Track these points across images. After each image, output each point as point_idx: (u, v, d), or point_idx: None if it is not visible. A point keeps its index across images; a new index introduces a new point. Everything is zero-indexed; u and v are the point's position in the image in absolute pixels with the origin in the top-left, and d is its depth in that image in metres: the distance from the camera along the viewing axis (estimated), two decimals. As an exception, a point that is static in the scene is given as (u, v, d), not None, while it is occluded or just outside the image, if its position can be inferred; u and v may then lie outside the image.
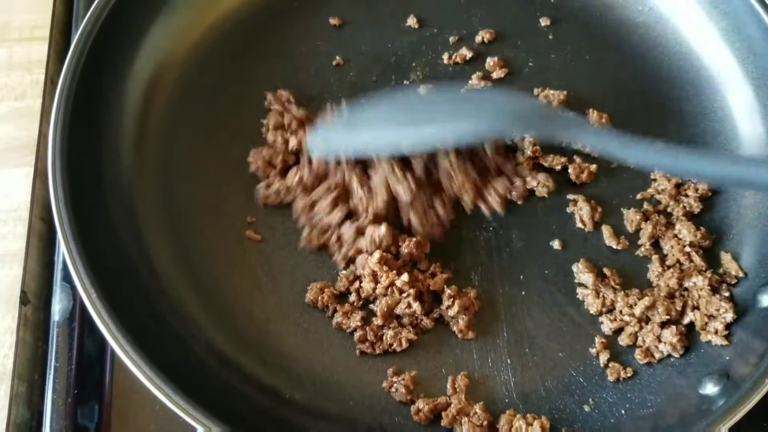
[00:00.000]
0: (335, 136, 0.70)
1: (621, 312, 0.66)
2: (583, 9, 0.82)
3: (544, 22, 0.81)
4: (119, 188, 0.68)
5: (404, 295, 0.65)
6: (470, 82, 0.77)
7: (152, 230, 0.68)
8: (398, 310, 0.65)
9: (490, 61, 0.78)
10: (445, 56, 0.79)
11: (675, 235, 0.69)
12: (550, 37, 0.81)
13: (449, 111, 0.66)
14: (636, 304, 0.65)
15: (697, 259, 0.67)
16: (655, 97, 0.78)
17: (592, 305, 0.66)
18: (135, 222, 0.67)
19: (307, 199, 0.70)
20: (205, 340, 0.64)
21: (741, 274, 0.67)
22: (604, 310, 0.66)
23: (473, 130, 0.63)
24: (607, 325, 0.66)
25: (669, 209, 0.71)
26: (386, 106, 0.68)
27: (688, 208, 0.70)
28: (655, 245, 0.70)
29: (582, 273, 0.68)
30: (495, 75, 0.78)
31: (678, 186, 0.71)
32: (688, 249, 0.68)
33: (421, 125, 0.65)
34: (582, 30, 0.81)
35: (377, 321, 0.65)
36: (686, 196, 0.71)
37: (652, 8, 0.81)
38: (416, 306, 0.64)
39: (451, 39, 0.80)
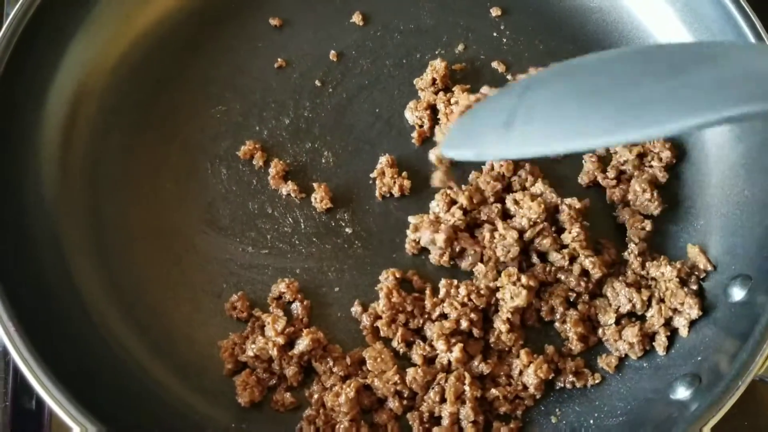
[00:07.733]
0: (485, 130, 0.49)
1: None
2: (534, -5, 0.79)
3: (494, 12, 0.77)
4: (42, 211, 0.64)
5: None
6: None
7: (78, 254, 0.63)
8: None
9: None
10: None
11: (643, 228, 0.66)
12: (502, 27, 0.77)
13: (664, 88, 0.42)
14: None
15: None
16: (614, 85, 0.74)
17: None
18: (59, 247, 0.63)
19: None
20: (141, 372, 0.59)
21: (710, 268, 0.63)
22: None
23: (711, 116, 0.39)
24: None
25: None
26: (563, 82, 0.47)
27: (653, 177, 0.67)
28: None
29: None
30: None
31: (641, 156, 0.68)
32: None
33: (624, 112, 0.43)
34: (534, 18, 0.77)
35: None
36: (651, 167, 0.68)
37: (606, -9, 0.77)
38: None
39: (398, 35, 0.76)
